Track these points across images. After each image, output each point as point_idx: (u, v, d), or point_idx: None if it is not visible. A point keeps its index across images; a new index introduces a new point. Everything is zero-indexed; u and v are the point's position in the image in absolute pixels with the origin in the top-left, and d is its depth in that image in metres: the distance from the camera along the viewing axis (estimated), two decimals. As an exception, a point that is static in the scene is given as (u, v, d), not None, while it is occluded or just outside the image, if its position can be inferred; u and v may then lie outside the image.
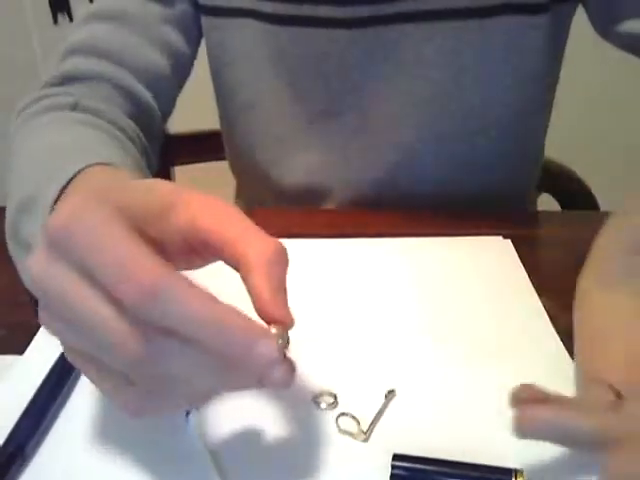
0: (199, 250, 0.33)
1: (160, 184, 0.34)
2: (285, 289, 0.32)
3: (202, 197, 0.33)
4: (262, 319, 0.31)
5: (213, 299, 0.28)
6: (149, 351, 0.28)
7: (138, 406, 0.31)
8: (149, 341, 0.28)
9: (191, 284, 0.28)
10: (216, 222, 0.32)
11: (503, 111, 0.65)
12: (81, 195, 0.32)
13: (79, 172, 0.40)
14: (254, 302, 0.31)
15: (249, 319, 0.29)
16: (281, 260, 0.32)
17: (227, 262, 0.33)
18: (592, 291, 0.41)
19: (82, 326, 0.29)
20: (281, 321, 0.30)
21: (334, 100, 0.65)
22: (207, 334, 0.28)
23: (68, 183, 0.40)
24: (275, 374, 0.29)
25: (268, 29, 0.63)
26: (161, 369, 0.28)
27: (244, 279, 0.31)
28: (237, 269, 0.32)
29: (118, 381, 0.30)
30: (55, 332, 0.31)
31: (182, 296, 0.27)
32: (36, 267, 0.30)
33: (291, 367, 0.29)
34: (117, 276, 0.27)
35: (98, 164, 0.41)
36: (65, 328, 0.30)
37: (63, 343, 0.32)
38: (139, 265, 0.28)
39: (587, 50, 0.92)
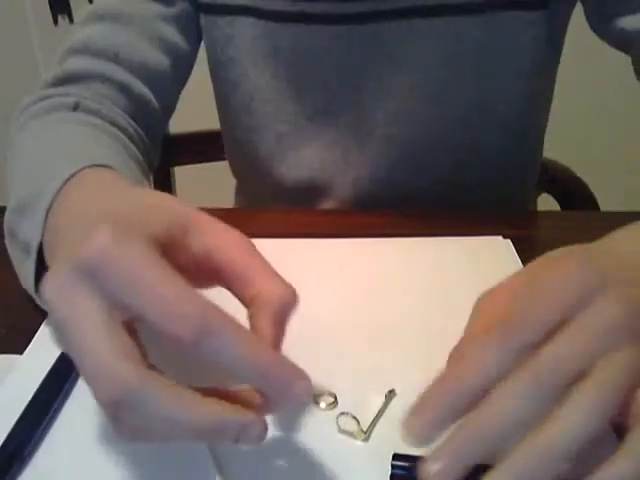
0: (209, 276, 0.34)
1: (174, 204, 0.35)
2: (284, 333, 0.33)
3: (218, 225, 0.35)
4: None
5: (257, 338, 0.30)
6: (130, 395, 0.28)
7: (128, 435, 0.30)
8: (131, 386, 0.28)
9: (235, 322, 0.29)
10: (230, 254, 0.33)
11: (502, 108, 0.65)
12: (105, 219, 0.32)
13: (73, 175, 0.40)
14: None
15: (288, 361, 0.30)
16: (289, 307, 0.33)
17: (234, 294, 0.34)
18: None
19: (79, 356, 0.29)
20: None
21: (333, 97, 0.65)
22: (251, 372, 0.29)
23: (63, 186, 0.40)
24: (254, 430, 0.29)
25: (267, 26, 0.63)
26: (137, 417, 0.28)
27: (251, 316, 0.33)
28: (244, 304, 0.33)
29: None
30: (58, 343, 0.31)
31: (231, 334, 0.29)
32: (55, 288, 0.30)
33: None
34: (165, 314, 0.28)
35: (92, 166, 0.41)
36: (66, 347, 0.30)
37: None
38: (187, 303, 0.28)
39: (588, 49, 0.92)
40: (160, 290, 0.29)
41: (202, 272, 0.34)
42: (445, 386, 0.29)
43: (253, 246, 0.34)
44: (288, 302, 0.33)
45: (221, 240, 0.34)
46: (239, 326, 0.29)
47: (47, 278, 0.30)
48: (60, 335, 0.30)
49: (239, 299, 0.34)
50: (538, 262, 0.34)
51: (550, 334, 0.29)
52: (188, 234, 0.34)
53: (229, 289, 0.34)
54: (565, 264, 0.31)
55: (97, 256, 0.29)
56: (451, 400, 0.29)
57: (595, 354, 0.29)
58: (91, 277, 0.29)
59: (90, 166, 0.41)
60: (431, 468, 0.28)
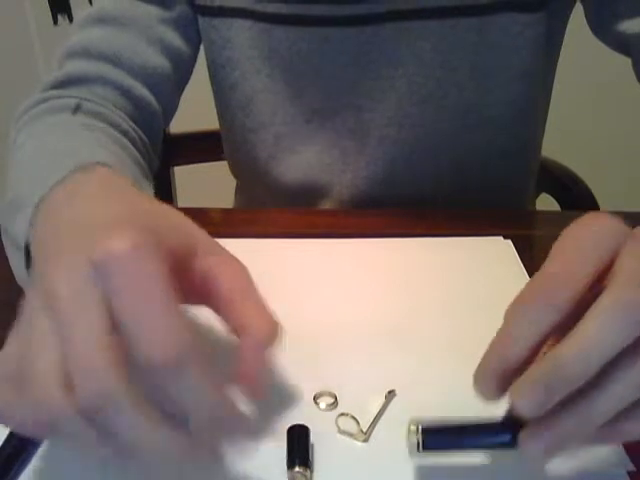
0: (199, 295, 0.35)
1: (192, 226, 0.36)
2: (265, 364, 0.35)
3: (222, 251, 0.36)
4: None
5: (218, 386, 0.30)
6: (111, 396, 0.28)
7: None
8: (115, 387, 0.28)
9: (205, 364, 0.29)
10: (226, 283, 0.35)
11: (500, 108, 0.65)
12: (128, 221, 0.33)
13: (66, 176, 0.39)
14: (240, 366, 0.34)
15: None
16: (272, 340, 0.34)
17: (221, 318, 0.35)
18: None
19: (66, 340, 0.29)
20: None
21: (330, 98, 0.65)
22: (200, 414, 0.30)
23: (55, 184, 0.39)
24: None
25: (263, 28, 0.63)
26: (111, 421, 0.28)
27: (241, 343, 0.34)
28: (230, 329, 0.35)
29: None
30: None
31: (196, 375, 0.29)
32: (66, 279, 0.29)
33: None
34: (143, 334, 0.28)
35: (93, 164, 0.40)
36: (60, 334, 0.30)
37: None
38: (170, 333, 0.29)
39: (588, 49, 0.92)
40: (153, 310, 0.29)
41: (195, 290, 0.35)
42: (498, 354, 0.32)
43: (249, 277, 0.36)
44: (273, 336, 0.34)
45: (222, 267, 0.35)
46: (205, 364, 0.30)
47: (59, 265, 0.30)
48: (49, 316, 0.30)
49: (225, 323, 0.35)
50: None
51: (594, 284, 0.30)
52: (196, 256, 0.35)
53: (216, 312, 0.36)
54: (594, 220, 0.32)
55: (113, 256, 0.29)
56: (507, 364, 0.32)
57: None
58: (101, 275, 0.29)
59: (84, 165, 0.40)
60: (522, 402, 0.30)
